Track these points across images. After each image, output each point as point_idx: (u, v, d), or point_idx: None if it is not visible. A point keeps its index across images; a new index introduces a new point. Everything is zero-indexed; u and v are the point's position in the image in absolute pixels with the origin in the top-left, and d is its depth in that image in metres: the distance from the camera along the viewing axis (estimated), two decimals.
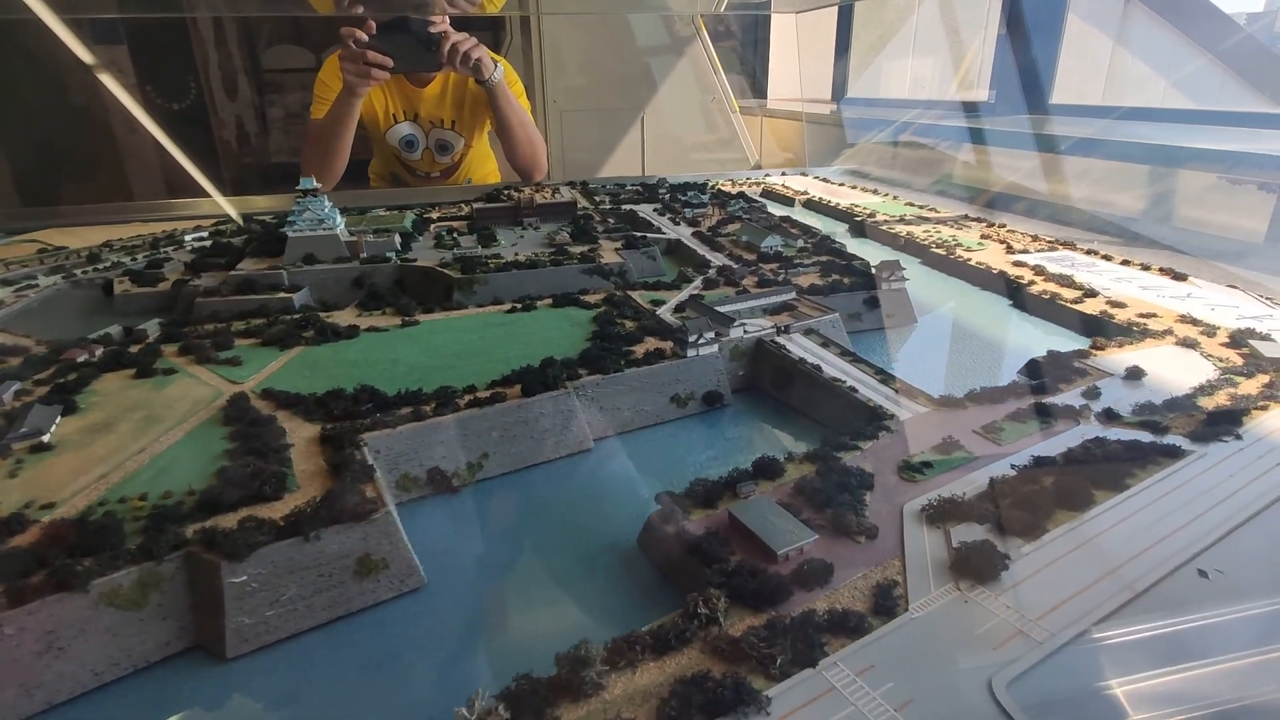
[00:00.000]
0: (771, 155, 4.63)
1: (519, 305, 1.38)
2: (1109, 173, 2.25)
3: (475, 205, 2.06)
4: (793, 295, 1.34)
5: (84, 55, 2.60)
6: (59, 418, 0.94)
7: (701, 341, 1.09)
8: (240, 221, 2.31)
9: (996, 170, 2.62)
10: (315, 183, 1.72)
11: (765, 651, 0.57)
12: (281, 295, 1.51)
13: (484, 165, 2.93)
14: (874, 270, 1.43)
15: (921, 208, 2.33)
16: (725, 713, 0.52)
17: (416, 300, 1.44)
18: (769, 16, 5.21)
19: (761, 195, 2.70)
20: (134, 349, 1.19)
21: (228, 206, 2.60)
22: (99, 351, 1.19)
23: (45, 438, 0.89)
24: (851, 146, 3.30)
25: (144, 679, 0.64)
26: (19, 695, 0.59)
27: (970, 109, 3.55)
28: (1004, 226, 2.02)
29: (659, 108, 4.82)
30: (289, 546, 0.67)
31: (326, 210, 1.69)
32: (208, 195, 3.00)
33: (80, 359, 1.15)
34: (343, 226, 1.72)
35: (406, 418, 0.91)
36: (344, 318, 1.36)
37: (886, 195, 2.58)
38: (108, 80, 3.87)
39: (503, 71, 2.47)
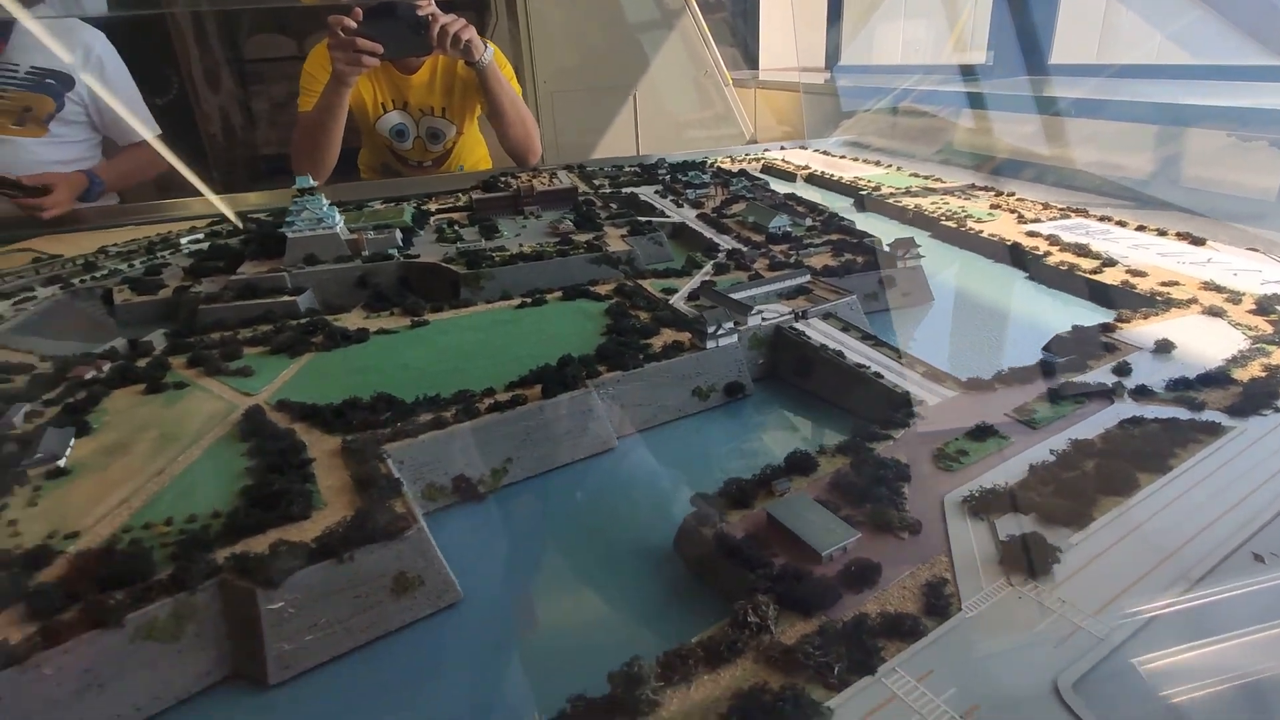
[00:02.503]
0: (769, 129, 4.56)
1: (528, 300, 1.35)
2: (1116, 134, 2.21)
3: (474, 196, 2.02)
4: (807, 278, 1.32)
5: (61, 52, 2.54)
6: (73, 440, 0.92)
7: (721, 332, 1.06)
8: (237, 222, 2.26)
9: (1000, 136, 2.58)
10: (312, 181, 1.68)
11: (821, 660, 0.56)
12: (285, 299, 1.48)
13: (475, 151, 2.88)
14: (889, 248, 1.41)
15: (926, 178, 2.30)
16: None
17: (423, 298, 1.42)
18: None
19: (762, 171, 2.66)
20: (141, 363, 1.17)
21: (221, 205, 2.55)
22: (106, 367, 1.16)
23: (61, 462, 0.87)
24: (850, 117, 3.25)
25: (186, 711, 0.63)
26: None
27: (968, 72, 3.48)
28: (1013, 195, 1.99)
29: (651, 84, 4.74)
30: (324, 569, 0.66)
31: (325, 209, 1.66)
32: (198, 194, 2.94)
33: (88, 376, 1.13)
34: (342, 224, 1.68)
35: (428, 425, 0.90)
36: (351, 320, 1.33)
37: (889, 166, 2.54)
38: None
39: (493, 53, 2.42)
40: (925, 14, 4.41)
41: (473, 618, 0.71)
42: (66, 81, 2.52)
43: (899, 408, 0.94)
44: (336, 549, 0.66)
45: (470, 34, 2.25)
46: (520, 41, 4.57)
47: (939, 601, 0.61)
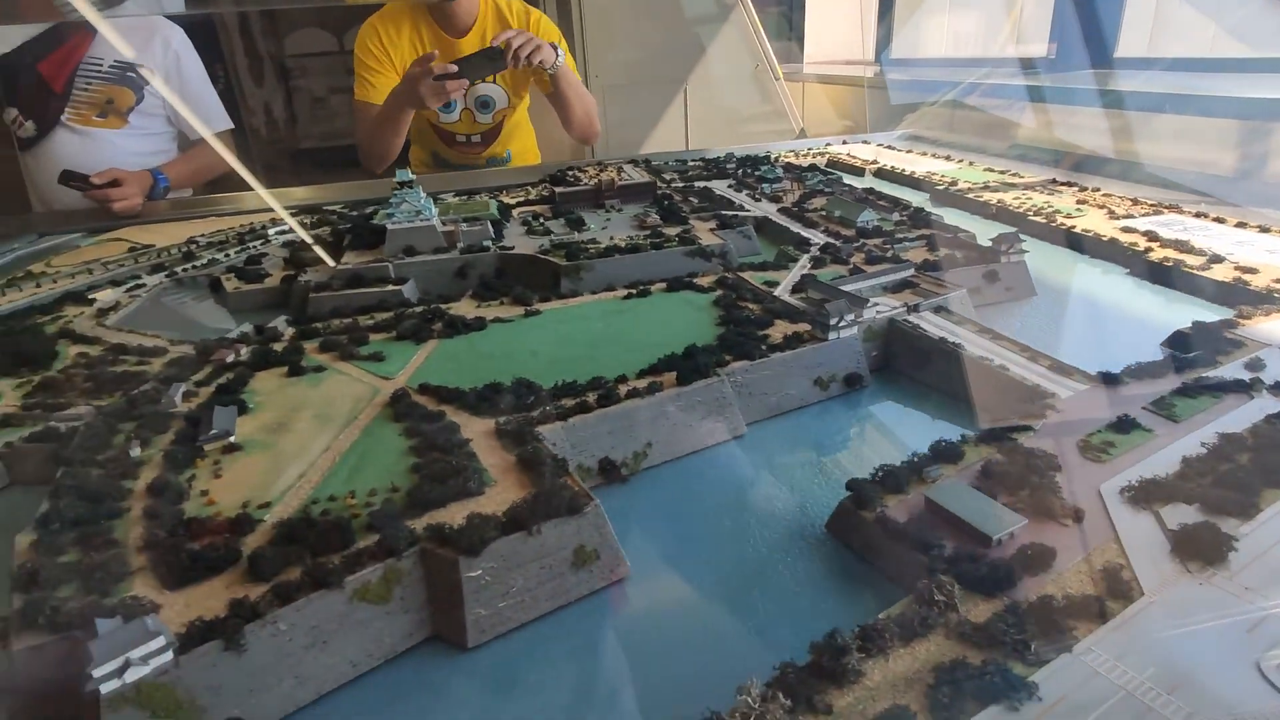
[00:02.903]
0: (824, 124, 4.53)
1: (633, 291, 1.39)
2: (1197, 129, 2.17)
3: (556, 190, 2.06)
4: (911, 272, 1.33)
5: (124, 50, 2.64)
6: (236, 417, 0.97)
7: (842, 324, 1.08)
8: (318, 216, 2.33)
9: (1076, 131, 2.54)
10: (411, 174, 1.73)
11: (1017, 637, 0.58)
12: (390, 288, 1.54)
13: (523, 140, 2.87)
14: (991, 242, 1.41)
15: (1003, 173, 2.28)
16: (997, 699, 0.54)
17: (521, 288, 1.46)
18: None
19: (828, 166, 2.66)
20: (276, 347, 1.23)
21: (271, 200, 2.63)
22: (243, 351, 1.22)
23: (233, 438, 0.93)
24: (914, 111, 3.22)
25: (394, 668, 0.67)
26: (294, 686, 0.62)
27: (1028, 65, 3.43)
28: (1098, 190, 1.97)
29: (702, 78, 4.74)
30: (515, 540, 0.70)
31: (423, 201, 1.71)
32: (248, 188, 3.04)
33: (229, 359, 1.19)
34: (437, 217, 1.73)
35: (572, 410, 0.93)
36: (463, 309, 1.38)
37: (960, 161, 2.52)
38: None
39: (564, 56, 2.45)
40: (976, 6, 4.34)
41: (642, 591, 0.75)
42: (139, 78, 2.61)
43: (1030, 400, 0.95)
44: (525, 522, 0.70)
45: (543, 52, 2.29)
46: (574, 36, 4.60)
47: (1119, 586, 0.63)
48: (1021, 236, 1.39)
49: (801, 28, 5.51)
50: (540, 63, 2.29)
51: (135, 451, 0.91)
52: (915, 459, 0.83)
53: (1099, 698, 0.54)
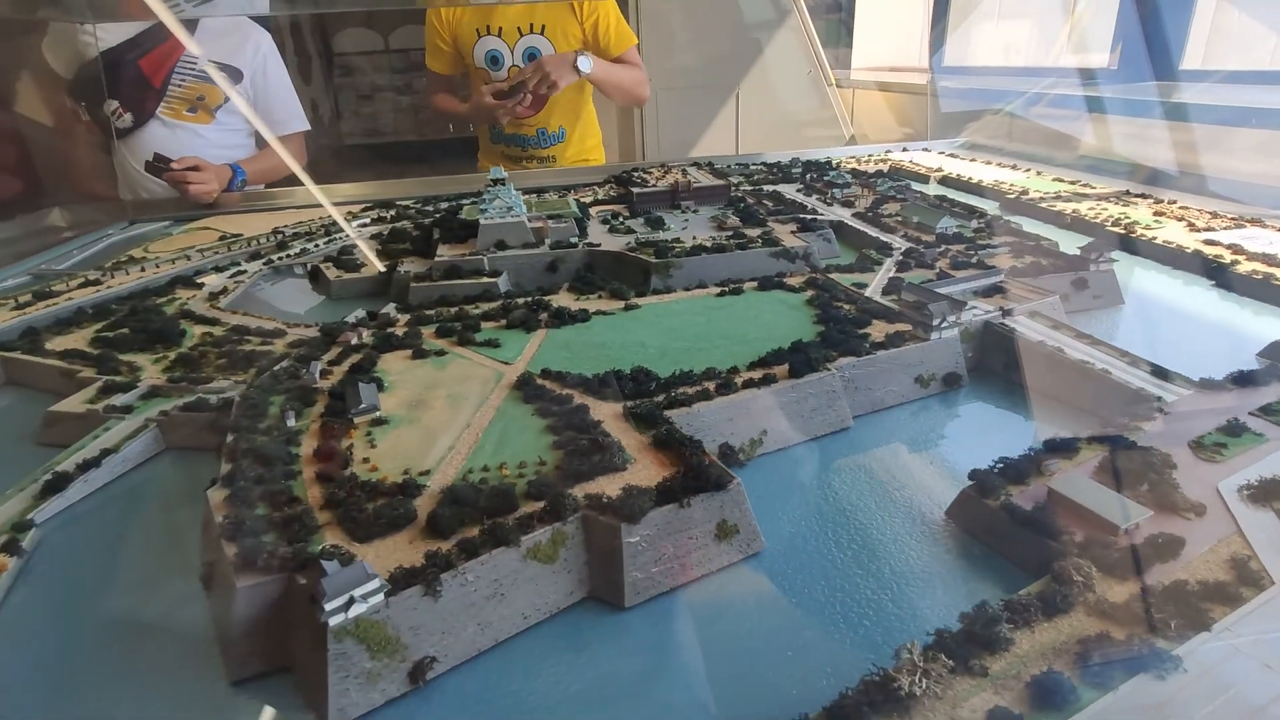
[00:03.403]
0: (877, 130, 4.54)
1: (726, 289, 1.44)
2: (1276, 144, 2.16)
3: (633, 190, 2.12)
4: (1001, 277, 1.36)
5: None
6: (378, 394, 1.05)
7: (944, 325, 1.13)
8: (393, 211, 2.43)
9: (1149, 143, 2.54)
10: (503, 173, 1.81)
11: (1157, 616, 0.62)
12: (485, 280, 1.62)
13: (584, 127, 2.95)
14: (1080, 251, 1.44)
15: (1073, 183, 2.29)
16: (1144, 669, 0.58)
17: (616, 284, 1.52)
18: None
19: (890, 172, 2.69)
20: (398, 331, 1.30)
21: (323, 198, 2.75)
22: (365, 334, 1.30)
23: (379, 412, 1.00)
24: (977, 119, 3.23)
25: (559, 622, 0.73)
26: (476, 632, 0.69)
27: (1088, 76, 3.41)
28: (1174, 202, 1.97)
29: (755, 83, 4.78)
30: (668, 511, 0.76)
31: (514, 198, 1.78)
32: (319, 182, 3.18)
33: (354, 341, 1.27)
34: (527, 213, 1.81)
35: (694, 397, 0.99)
36: (564, 301, 1.45)
37: (1028, 170, 2.53)
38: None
39: (589, 61, 2.55)
40: (1033, 15, 4.31)
41: (777, 565, 0.80)
42: (236, 74, 2.75)
43: (1135, 403, 0.98)
44: (676, 495, 0.76)
45: (556, 76, 2.51)
46: None
47: (1249, 575, 0.67)
48: (1109, 246, 1.41)
49: (850, 34, 5.52)
50: (556, 84, 2.50)
51: (291, 421, 0.99)
52: (1031, 453, 0.87)
53: (1241, 673, 0.58)
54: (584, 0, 2.68)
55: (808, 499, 0.91)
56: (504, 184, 1.80)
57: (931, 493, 0.90)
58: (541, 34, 2.68)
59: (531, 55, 2.71)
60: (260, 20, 2.94)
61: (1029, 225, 1.91)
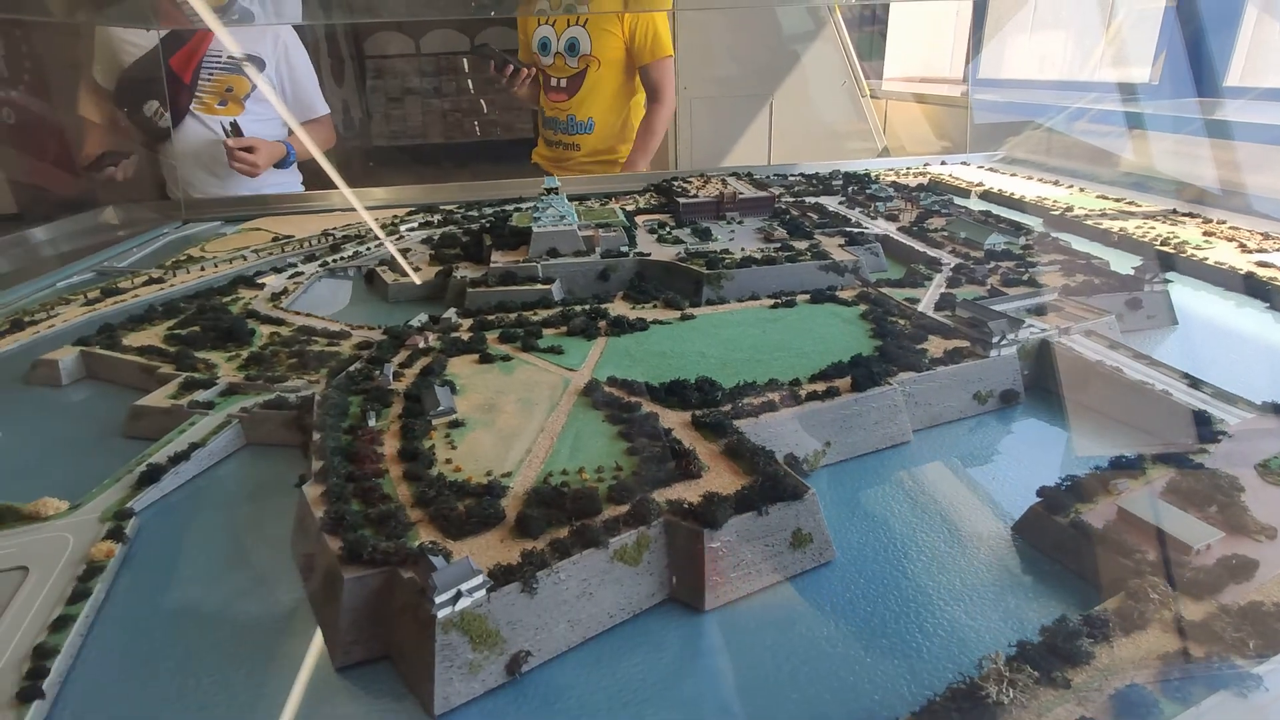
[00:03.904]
0: (913, 142, 4.54)
1: (779, 302, 1.47)
2: None
3: (679, 201, 2.15)
4: (1055, 295, 1.38)
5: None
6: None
7: (1004, 342, 1.15)
8: (441, 215, 2.48)
9: (1193, 160, 2.52)
10: (556, 182, 1.85)
11: (1235, 635, 0.64)
12: (540, 287, 1.66)
13: (617, 134, 3.07)
14: (1134, 270, 1.45)
15: (1117, 201, 2.29)
16: (1224, 686, 0.60)
17: (671, 293, 1.56)
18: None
19: (929, 186, 2.69)
20: (463, 336, 1.35)
21: (357, 204, 2.84)
22: (431, 338, 1.35)
23: (456, 415, 1.04)
24: (1017, 133, 3.22)
25: (639, 623, 0.76)
26: (567, 629, 0.72)
27: (1129, 91, 3.38)
28: (1223, 223, 1.96)
29: (789, 93, 4.79)
30: (747, 519, 0.78)
31: (566, 207, 1.83)
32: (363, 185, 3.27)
33: (420, 344, 1.32)
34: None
35: (760, 408, 1.02)
36: (619, 309, 1.48)
37: (1070, 186, 2.53)
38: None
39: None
40: (1072, 28, 4.29)
41: (848, 574, 0.82)
42: (260, 64, 2.86)
43: (1196, 425, 0.99)
44: (755, 503, 0.79)
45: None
46: None
47: None
48: (1162, 266, 1.42)
49: (882, 46, 5.52)
50: None
51: (372, 420, 1.03)
52: (1098, 471, 0.88)
53: None
54: (633, 13, 2.78)
55: (873, 510, 0.94)
56: (556, 193, 1.84)
57: (996, 508, 0.92)
58: (584, 26, 2.80)
59: (571, 45, 2.87)
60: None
61: (1075, 243, 1.91)
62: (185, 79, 2.78)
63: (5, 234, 2.47)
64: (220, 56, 2.79)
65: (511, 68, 2.89)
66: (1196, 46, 3.23)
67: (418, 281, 1.81)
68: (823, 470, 1.02)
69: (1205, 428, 0.98)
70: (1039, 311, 1.34)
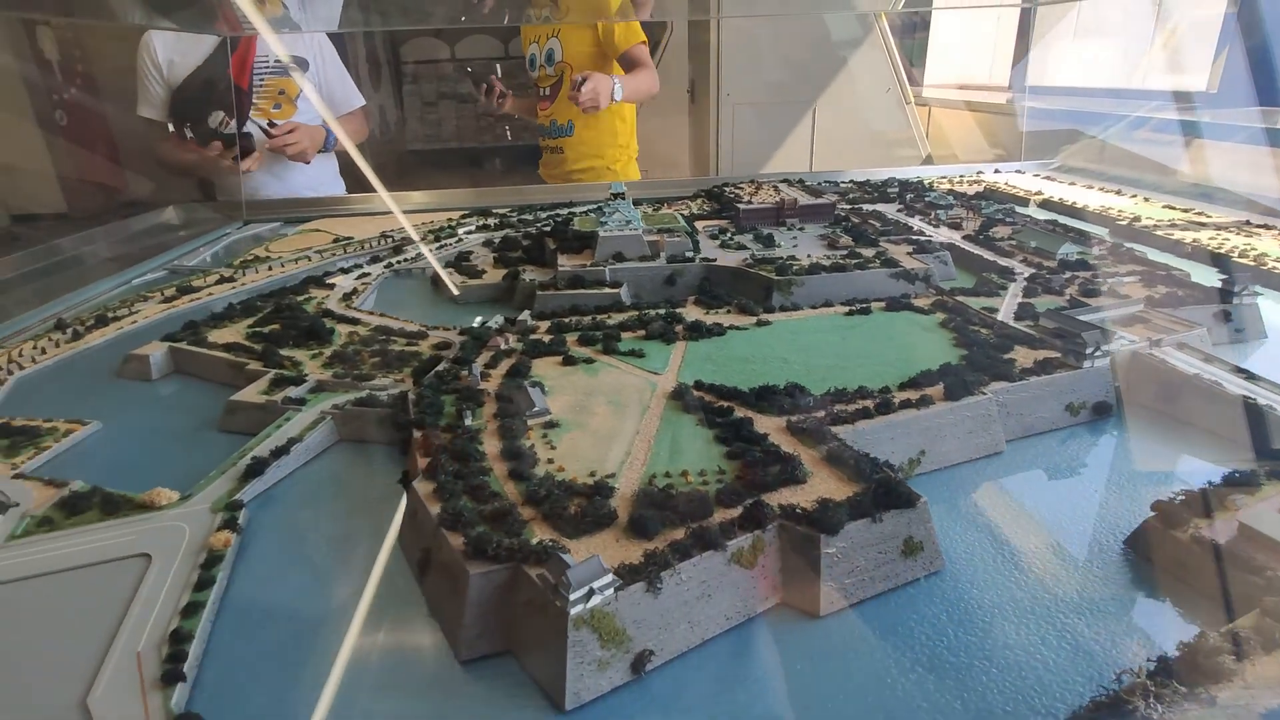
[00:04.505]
0: (962, 149, 4.49)
1: (854, 309, 1.46)
2: None
3: (740, 207, 2.16)
4: (1139, 307, 1.36)
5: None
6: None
7: (1097, 353, 1.13)
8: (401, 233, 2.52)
9: (1260, 171, 2.46)
10: (622, 187, 1.87)
11: None
12: (608, 291, 1.67)
13: (599, 139, 3.09)
14: (1222, 282, 1.42)
15: (1185, 211, 2.24)
16: None
17: (728, 299, 1.56)
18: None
19: (985, 194, 2.67)
20: (542, 338, 1.37)
21: (395, 207, 2.90)
22: (511, 339, 1.37)
23: (551, 415, 1.06)
24: (1074, 141, 3.17)
25: (754, 627, 0.77)
26: (687, 630, 0.73)
27: (1184, 99, 3.31)
28: None
29: (832, 100, 4.77)
30: (862, 525, 0.78)
31: (633, 212, 1.84)
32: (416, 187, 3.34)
33: (501, 346, 1.34)
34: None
35: (854, 414, 1.02)
36: (694, 315, 1.49)
37: (1134, 196, 2.49)
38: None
39: (621, 90, 2.83)
40: (1125, 34, 4.21)
41: (959, 584, 0.82)
42: (303, 64, 2.94)
43: None
44: (869, 510, 0.79)
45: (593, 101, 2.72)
46: (709, 53, 4.72)
47: None
48: (1254, 279, 1.39)
49: (923, 52, 5.48)
50: (595, 106, 2.75)
51: (469, 420, 1.05)
52: (1210, 486, 0.87)
53: None
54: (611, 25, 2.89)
55: (974, 520, 0.93)
56: (623, 198, 1.86)
57: (1101, 521, 0.91)
58: (558, 36, 2.98)
59: (549, 54, 3.00)
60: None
61: (1148, 254, 1.88)
62: (244, 85, 2.86)
63: (58, 231, 2.56)
64: (268, 61, 2.88)
65: (485, 86, 3.00)
66: (1259, 55, 3.16)
67: (454, 290, 1.83)
68: (917, 479, 1.01)
69: None
70: (1125, 323, 1.32)
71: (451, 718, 0.68)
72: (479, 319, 1.46)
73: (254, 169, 2.86)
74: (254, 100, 2.88)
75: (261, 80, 2.88)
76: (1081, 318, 1.30)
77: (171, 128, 2.87)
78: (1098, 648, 0.72)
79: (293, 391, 1.24)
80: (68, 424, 1.23)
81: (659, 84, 3.14)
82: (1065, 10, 4.28)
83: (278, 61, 2.90)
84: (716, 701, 0.69)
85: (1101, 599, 0.79)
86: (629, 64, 2.99)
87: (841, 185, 2.87)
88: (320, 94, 3.01)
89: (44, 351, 1.57)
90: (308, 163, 2.92)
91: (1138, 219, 2.14)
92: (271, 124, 2.85)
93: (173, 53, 2.77)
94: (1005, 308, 1.43)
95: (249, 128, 2.86)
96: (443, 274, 1.90)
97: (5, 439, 1.18)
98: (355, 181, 3.24)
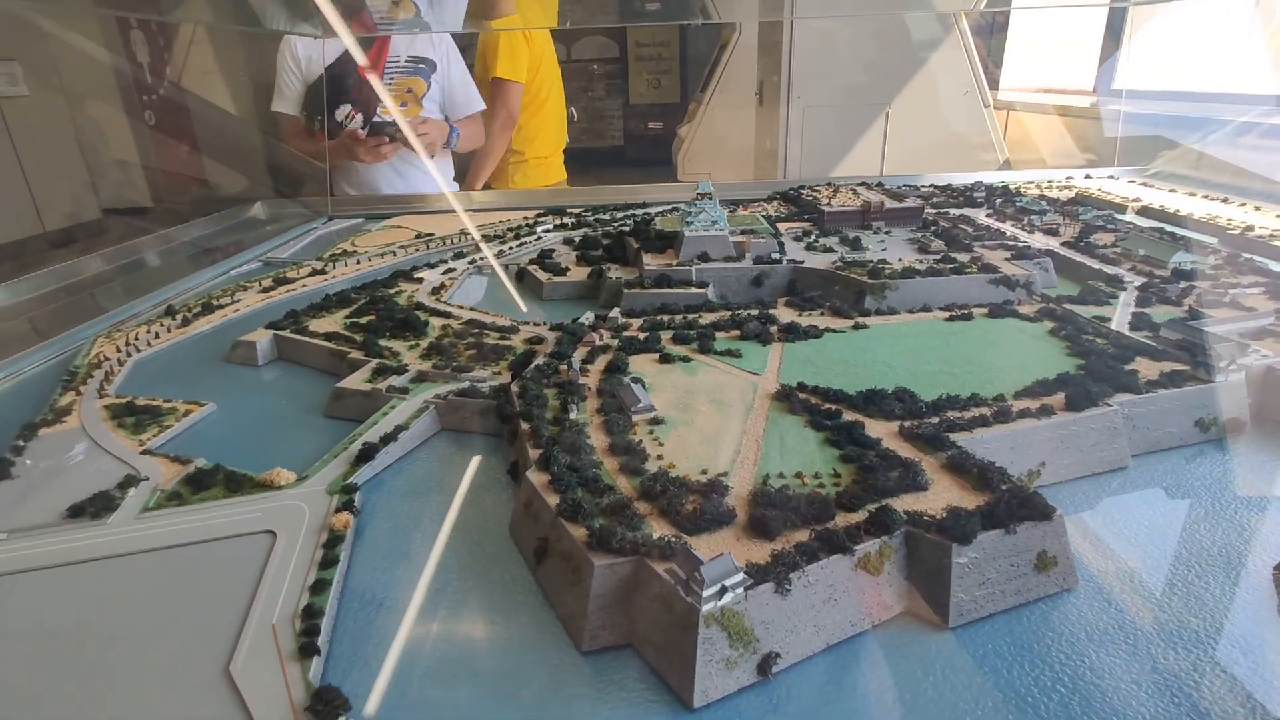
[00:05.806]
0: (1049, 155, 4.33)
1: (954, 314, 1.42)
2: None
3: (824, 210, 2.12)
4: (1271, 319, 1.27)
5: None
6: None
7: (1231, 367, 1.06)
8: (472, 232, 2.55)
9: None
10: (709, 187, 1.86)
11: None
12: (694, 290, 1.66)
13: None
14: None
15: None
16: None
17: (838, 301, 1.53)
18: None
19: (1078, 200, 2.55)
20: (636, 336, 1.37)
21: (459, 207, 2.95)
22: (605, 336, 1.37)
23: (656, 412, 1.05)
24: (1173, 147, 3.02)
25: (879, 634, 0.75)
26: (813, 633, 0.71)
27: None
28: None
29: (906, 102, 4.66)
30: (995, 536, 0.75)
31: (719, 212, 1.83)
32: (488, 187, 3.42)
33: (596, 342, 1.34)
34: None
35: (971, 422, 0.98)
36: (787, 316, 1.47)
37: (1244, 204, 2.34)
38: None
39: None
40: (1215, 36, 3.97)
41: (1096, 603, 0.78)
42: (431, 65, 3.02)
43: None
44: (1002, 520, 0.76)
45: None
46: (780, 56, 4.67)
47: None
48: None
49: (1001, 54, 5.30)
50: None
51: (574, 413, 1.06)
52: None
53: None
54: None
55: (1104, 537, 0.89)
56: (709, 198, 1.85)
57: (1244, 543, 0.86)
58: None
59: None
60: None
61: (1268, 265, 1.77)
62: (378, 76, 2.99)
63: (141, 225, 2.71)
64: (399, 60, 2.98)
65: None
66: None
67: (519, 300, 1.84)
68: (1035, 491, 0.97)
69: None
70: (1255, 336, 1.24)
71: (579, 709, 0.68)
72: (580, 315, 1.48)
73: (390, 156, 2.96)
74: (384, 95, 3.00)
75: (391, 78, 3.00)
76: (1207, 329, 1.23)
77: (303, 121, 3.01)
78: (1256, 676, 0.68)
79: (396, 381, 1.27)
80: (186, 404, 1.30)
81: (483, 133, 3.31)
82: (1156, 11, 4.07)
83: (408, 60, 3.01)
84: (845, 711, 0.67)
85: (1258, 625, 0.74)
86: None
87: (922, 189, 2.80)
88: (444, 95, 3.12)
89: (157, 336, 1.66)
90: (433, 156, 3.01)
91: (1250, 228, 2.02)
92: (377, 128, 2.94)
93: (311, 50, 2.91)
94: (1118, 317, 1.37)
95: (383, 118, 2.98)
96: (504, 277, 1.93)
97: (130, 417, 1.25)
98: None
